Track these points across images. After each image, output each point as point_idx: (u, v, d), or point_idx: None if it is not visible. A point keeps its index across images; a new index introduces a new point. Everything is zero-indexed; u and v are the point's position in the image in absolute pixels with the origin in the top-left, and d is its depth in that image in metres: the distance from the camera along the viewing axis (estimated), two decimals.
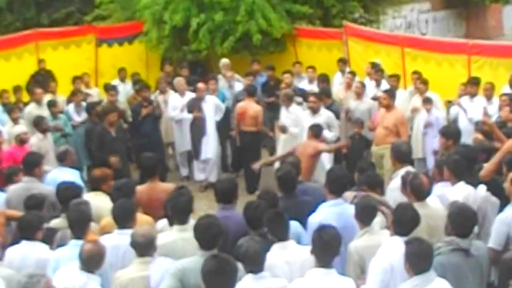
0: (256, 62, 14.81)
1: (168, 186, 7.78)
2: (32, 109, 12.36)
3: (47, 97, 12.87)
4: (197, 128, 12.42)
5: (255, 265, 5.20)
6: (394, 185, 7.25)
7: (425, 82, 12.00)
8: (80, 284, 5.49)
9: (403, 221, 5.69)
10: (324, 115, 11.19)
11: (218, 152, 12.92)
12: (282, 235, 5.86)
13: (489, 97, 11.40)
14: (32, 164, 8.43)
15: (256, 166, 10.55)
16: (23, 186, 8.14)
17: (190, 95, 12.77)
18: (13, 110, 11.82)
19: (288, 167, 7.49)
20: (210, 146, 12.51)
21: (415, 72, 12.61)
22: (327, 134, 10.86)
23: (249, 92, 12.42)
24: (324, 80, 13.17)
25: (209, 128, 12.46)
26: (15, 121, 11.55)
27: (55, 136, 11.58)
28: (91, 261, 5.60)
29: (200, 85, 12.53)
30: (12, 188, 8.26)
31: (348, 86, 12.99)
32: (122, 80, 15.00)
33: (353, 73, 13.38)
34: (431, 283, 5.06)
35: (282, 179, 7.20)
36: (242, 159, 12.61)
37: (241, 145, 12.43)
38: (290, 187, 7.18)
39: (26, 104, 13.15)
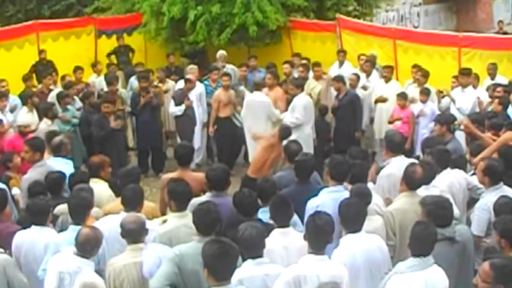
0: (254, 58, 14.94)
1: (199, 176, 7.48)
2: None
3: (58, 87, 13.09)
4: (188, 119, 12.63)
5: (255, 251, 5.18)
6: (384, 172, 7.39)
7: (426, 75, 12.20)
8: (74, 269, 5.48)
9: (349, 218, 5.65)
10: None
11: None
12: (284, 221, 5.84)
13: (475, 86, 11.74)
14: (42, 147, 8.34)
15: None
16: (39, 170, 7.89)
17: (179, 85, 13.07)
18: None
19: (306, 156, 7.40)
20: (198, 135, 12.88)
21: (415, 66, 12.69)
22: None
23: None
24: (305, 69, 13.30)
25: (197, 117, 12.80)
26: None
27: (63, 128, 11.59)
28: (87, 246, 5.56)
29: (191, 77, 12.79)
30: (27, 176, 7.95)
31: (317, 78, 12.94)
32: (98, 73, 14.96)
33: (318, 64, 13.24)
34: (429, 267, 5.07)
35: (299, 166, 7.17)
36: None
37: None
38: (305, 175, 7.13)
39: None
